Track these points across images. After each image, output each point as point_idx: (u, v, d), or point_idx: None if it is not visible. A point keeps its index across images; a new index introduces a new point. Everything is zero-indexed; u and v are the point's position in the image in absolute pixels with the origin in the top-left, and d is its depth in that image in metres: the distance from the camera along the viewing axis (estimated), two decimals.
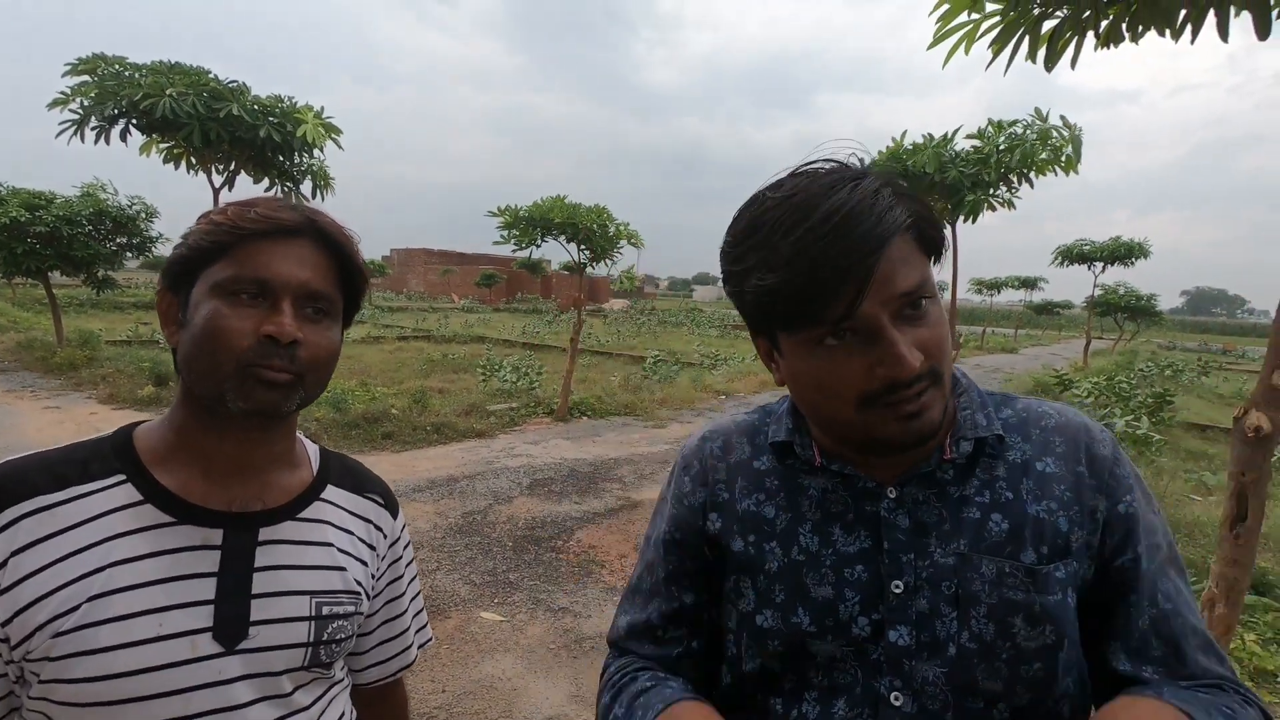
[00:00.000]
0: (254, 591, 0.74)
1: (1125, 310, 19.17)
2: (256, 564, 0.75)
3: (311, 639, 0.77)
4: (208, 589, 0.72)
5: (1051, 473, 0.71)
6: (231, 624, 0.72)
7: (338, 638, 0.79)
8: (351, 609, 0.81)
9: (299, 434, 0.87)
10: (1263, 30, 2.30)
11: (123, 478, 0.72)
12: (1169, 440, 7.89)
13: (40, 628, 0.65)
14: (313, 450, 0.88)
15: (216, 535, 0.73)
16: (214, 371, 0.71)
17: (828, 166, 0.66)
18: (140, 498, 0.72)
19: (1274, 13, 2.28)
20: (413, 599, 0.97)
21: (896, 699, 0.68)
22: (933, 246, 0.67)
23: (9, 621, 0.65)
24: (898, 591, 0.69)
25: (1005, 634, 0.66)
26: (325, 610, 0.78)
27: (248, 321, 0.70)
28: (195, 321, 0.71)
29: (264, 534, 0.76)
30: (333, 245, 0.76)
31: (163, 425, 0.77)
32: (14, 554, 0.66)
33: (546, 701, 2.86)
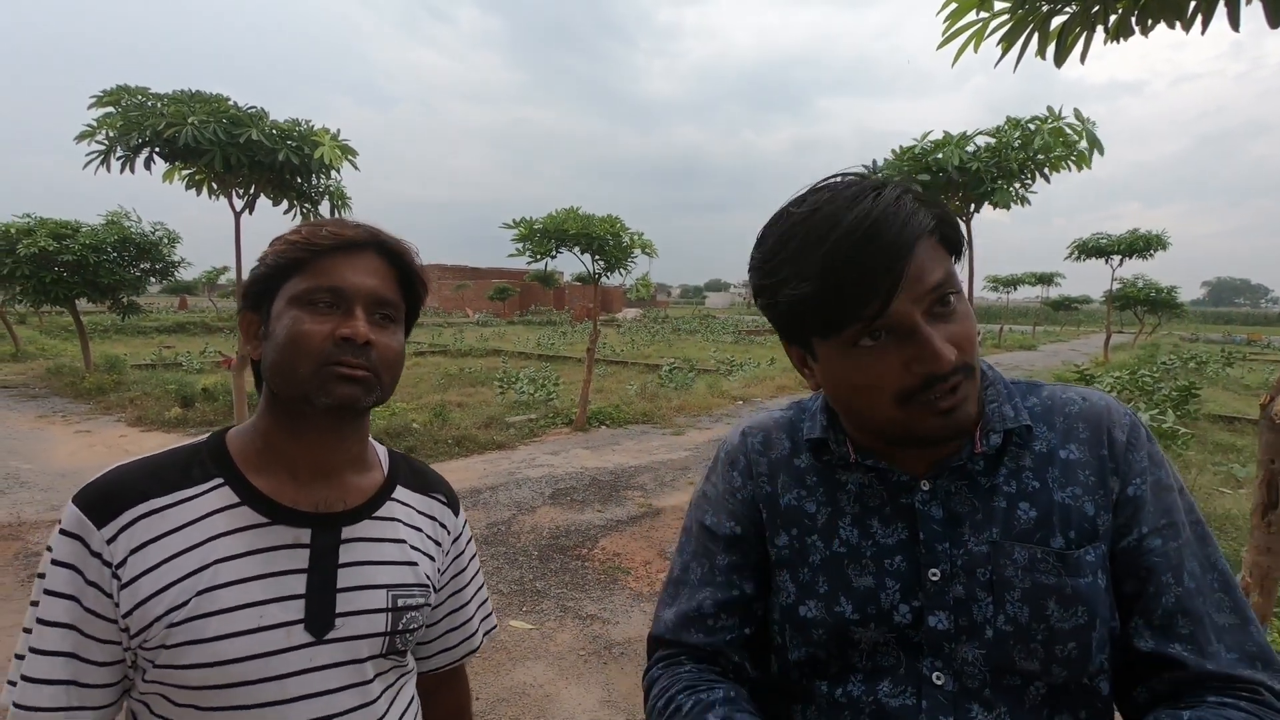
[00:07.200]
0: (339, 586, 0.79)
1: (1145, 303, 18.88)
2: (340, 560, 0.80)
3: (389, 629, 0.82)
4: (299, 584, 0.77)
5: (1076, 459, 0.73)
6: (321, 616, 0.77)
7: (410, 628, 0.85)
8: (421, 601, 0.86)
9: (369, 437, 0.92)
10: (1275, 18, 2.30)
11: (220, 481, 0.78)
12: (1196, 434, 7.76)
13: (157, 619, 0.71)
14: (382, 452, 0.94)
15: (305, 534, 0.79)
16: (297, 373, 0.76)
17: (847, 179, 0.68)
18: (238, 500, 0.78)
19: None
20: (477, 590, 1.02)
21: (938, 678, 0.70)
22: (954, 246, 0.70)
23: (130, 613, 0.72)
24: (935, 579, 0.71)
25: (1039, 616, 0.68)
26: (400, 602, 0.83)
27: (325, 325, 0.77)
28: (278, 331, 0.78)
29: (346, 532, 0.82)
30: (394, 256, 0.83)
31: (250, 431, 0.83)
32: (133, 552, 0.72)
33: (579, 707, 2.89)
